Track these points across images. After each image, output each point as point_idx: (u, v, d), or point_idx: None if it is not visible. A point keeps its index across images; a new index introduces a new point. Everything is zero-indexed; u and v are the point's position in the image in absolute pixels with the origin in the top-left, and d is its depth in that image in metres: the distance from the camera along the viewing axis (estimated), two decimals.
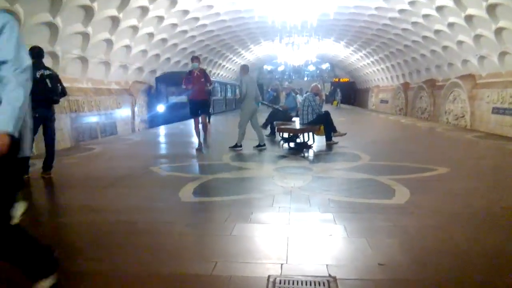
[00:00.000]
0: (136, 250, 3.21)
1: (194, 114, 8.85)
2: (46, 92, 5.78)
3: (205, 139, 8.59)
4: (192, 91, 8.69)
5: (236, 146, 8.53)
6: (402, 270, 2.77)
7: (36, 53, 5.86)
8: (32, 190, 5.48)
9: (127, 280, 2.67)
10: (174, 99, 18.77)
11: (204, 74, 8.88)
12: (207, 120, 17.20)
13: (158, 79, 18.94)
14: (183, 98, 18.23)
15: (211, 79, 10.35)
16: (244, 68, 8.94)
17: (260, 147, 8.62)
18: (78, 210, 4.41)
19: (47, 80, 5.79)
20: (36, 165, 6.30)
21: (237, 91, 31.36)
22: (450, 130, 13.02)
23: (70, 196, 5.15)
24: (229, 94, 29.64)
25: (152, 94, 18.72)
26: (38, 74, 5.70)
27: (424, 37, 15.81)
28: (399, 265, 2.84)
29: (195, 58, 9.13)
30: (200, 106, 8.80)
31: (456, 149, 9.08)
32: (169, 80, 18.70)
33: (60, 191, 5.58)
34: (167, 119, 17.30)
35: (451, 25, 13.08)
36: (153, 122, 17.92)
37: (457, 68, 15.33)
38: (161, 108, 18.60)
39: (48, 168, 6.00)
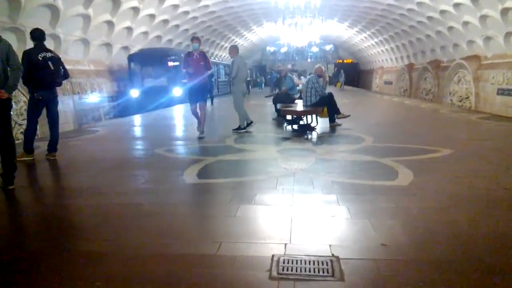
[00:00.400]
0: (141, 231, 3.25)
1: (191, 101, 8.04)
2: (48, 75, 5.75)
3: (202, 127, 7.92)
4: (189, 75, 7.85)
5: (239, 128, 8.49)
6: (405, 251, 2.80)
7: (38, 35, 5.82)
8: (37, 172, 5.54)
9: (132, 260, 2.71)
10: (151, 83, 15.87)
11: (203, 57, 7.95)
12: (210, 103, 17.02)
13: (131, 58, 15.90)
14: (162, 81, 15.81)
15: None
16: (234, 49, 8.65)
17: (239, 129, 8.50)
18: (83, 192, 4.45)
19: (49, 63, 5.75)
20: (41, 148, 6.35)
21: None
22: (454, 112, 12.95)
23: (75, 178, 5.20)
24: (222, 77, 26.67)
25: (123, 77, 15.72)
26: (40, 57, 5.67)
27: (429, 18, 15.60)
28: (402, 246, 2.87)
29: (195, 39, 8.13)
30: (197, 92, 7.90)
31: (460, 131, 9.05)
32: (146, 59, 15.89)
33: (65, 173, 5.62)
34: (142, 107, 14.37)
35: (456, 5, 12.88)
36: (125, 110, 14.71)
37: (462, 49, 15.16)
38: (135, 93, 15.59)
39: (52, 150, 6.03)
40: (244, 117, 8.54)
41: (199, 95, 7.90)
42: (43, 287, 2.39)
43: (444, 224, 3.30)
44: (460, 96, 15.54)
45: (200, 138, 7.71)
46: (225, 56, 29.77)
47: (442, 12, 14.17)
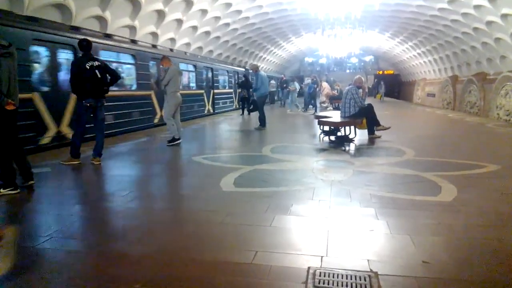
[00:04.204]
0: (178, 236, 3.31)
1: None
2: (96, 83, 6.03)
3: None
4: None
5: (173, 140, 8.17)
6: (447, 269, 2.68)
7: (85, 45, 6.11)
8: (81, 176, 5.77)
9: (170, 264, 2.76)
10: None
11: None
12: (247, 113, 16.99)
13: None
14: None
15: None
16: (167, 59, 8.35)
17: (174, 141, 8.18)
18: (123, 197, 4.58)
19: (97, 71, 6.03)
20: (86, 152, 6.62)
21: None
22: (501, 126, 12.36)
23: (117, 183, 5.37)
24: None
25: None
26: (87, 66, 5.95)
27: (475, 29, 15.07)
28: (444, 264, 2.76)
29: None
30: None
31: (507, 146, 8.61)
32: None
33: (108, 178, 5.83)
34: None
35: (504, 16, 12.39)
36: None
37: (510, 61, 14.50)
38: None
39: (97, 155, 6.28)
40: (172, 129, 8.18)
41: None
42: (82, 287, 2.47)
43: (489, 242, 3.14)
44: (507, 110, 14.82)
45: None
46: (264, 67, 29.97)
47: (489, 23, 13.66)
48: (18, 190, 4.56)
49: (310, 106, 19.37)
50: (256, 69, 11.63)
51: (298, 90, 20.85)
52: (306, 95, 20.05)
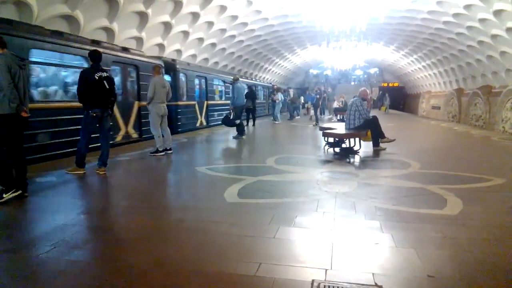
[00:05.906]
0: (183, 247, 3.31)
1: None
2: (104, 93, 6.09)
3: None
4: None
5: (157, 151, 8.17)
6: (452, 284, 2.65)
7: (95, 56, 6.19)
8: (86, 186, 5.79)
9: (175, 275, 2.75)
10: None
11: None
12: (252, 124, 17.23)
13: None
14: None
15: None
16: (155, 69, 8.36)
17: (157, 153, 8.19)
18: (128, 207, 4.60)
19: (105, 82, 6.09)
20: (92, 162, 6.65)
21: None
22: (506, 139, 12.29)
23: (121, 193, 5.39)
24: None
25: None
26: (96, 76, 6.02)
27: (480, 42, 15.11)
28: (449, 278, 2.73)
29: None
30: None
31: None
32: None
33: (112, 188, 5.84)
34: None
35: (509, 30, 12.43)
36: None
37: None
38: None
39: (102, 164, 6.30)
40: (160, 138, 8.19)
41: None
42: None
43: (495, 256, 3.11)
44: None
45: None
46: (270, 78, 30.10)
47: (494, 36, 13.69)
48: (21, 191, 4.61)
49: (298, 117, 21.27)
50: (235, 80, 12.06)
51: (282, 100, 21.30)
52: (290, 106, 22.97)
